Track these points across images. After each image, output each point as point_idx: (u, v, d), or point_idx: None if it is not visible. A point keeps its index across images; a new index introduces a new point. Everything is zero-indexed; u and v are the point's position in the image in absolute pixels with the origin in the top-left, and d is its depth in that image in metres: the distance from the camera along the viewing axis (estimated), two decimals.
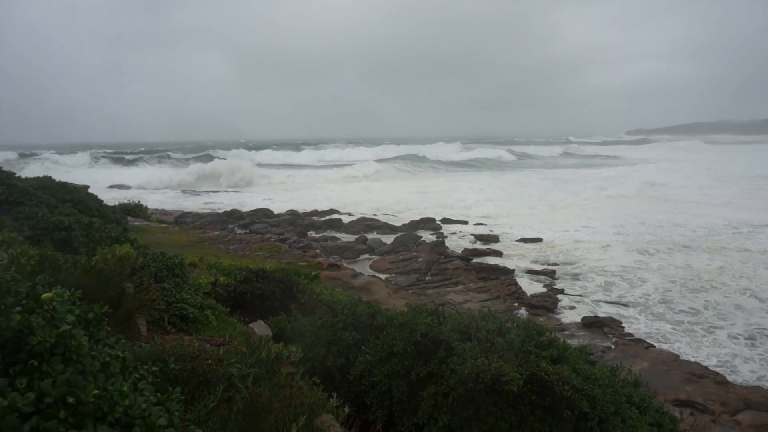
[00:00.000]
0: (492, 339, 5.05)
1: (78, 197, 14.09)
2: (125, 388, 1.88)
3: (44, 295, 2.17)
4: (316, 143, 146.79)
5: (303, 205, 39.99)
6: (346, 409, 3.52)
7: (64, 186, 14.69)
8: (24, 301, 2.19)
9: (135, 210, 23.07)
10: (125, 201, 24.48)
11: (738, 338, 15.67)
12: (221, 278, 9.59)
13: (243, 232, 28.57)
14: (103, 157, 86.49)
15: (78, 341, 1.94)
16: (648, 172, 65.34)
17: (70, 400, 1.68)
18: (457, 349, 5.22)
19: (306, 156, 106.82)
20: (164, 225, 21.98)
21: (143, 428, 1.84)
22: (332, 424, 3.15)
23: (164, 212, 35.92)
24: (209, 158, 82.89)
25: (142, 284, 5.93)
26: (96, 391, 1.76)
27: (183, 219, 32.55)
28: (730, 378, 13.05)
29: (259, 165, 79.52)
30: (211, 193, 49.15)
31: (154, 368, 2.73)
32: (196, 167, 64.96)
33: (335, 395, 3.56)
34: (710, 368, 13.36)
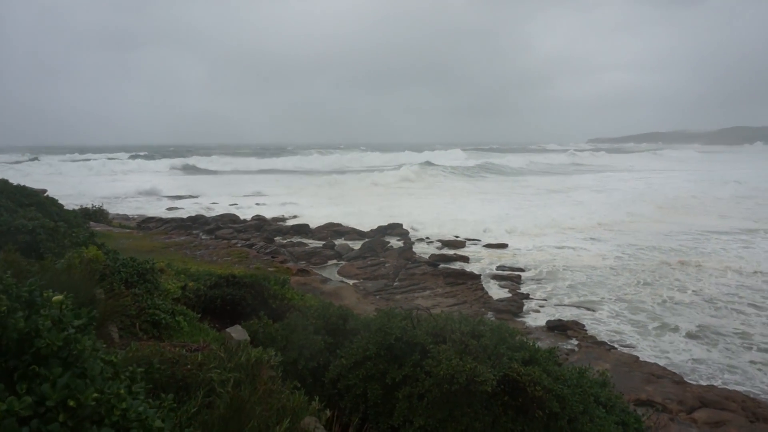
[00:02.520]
0: (466, 341, 5.17)
1: (38, 200, 13.59)
2: (122, 391, 1.89)
3: (54, 298, 2.16)
4: (307, 147, 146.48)
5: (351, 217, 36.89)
6: (328, 412, 3.56)
7: (23, 189, 14.13)
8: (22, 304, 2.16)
9: (96, 215, 22.44)
10: (86, 206, 23.76)
11: (694, 339, 16.35)
12: (190, 284, 9.44)
13: (208, 237, 28.10)
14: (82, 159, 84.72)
15: (83, 345, 1.94)
16: (629, 182, 66.83)
17: (71, 403, 1.69)
18: (432, 352, 5.31)
19: (331, 160, 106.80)
20: (127, 230, 21.45)
21: (140, 431, 1.86)
22: (317, 426, 3.18)
23: (126, 217, 35.02)
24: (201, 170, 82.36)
25: (112, 290, 5.81)
26: (95, 394, 1.77)
27: (146, 224, 31.82)
28: (686, 378, 13.60)
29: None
30: (175, 199, 48.16)
31: (140, 369, 2.72)
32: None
33: (317, 398, 3.60)
34: (668, 368, 13.88)
